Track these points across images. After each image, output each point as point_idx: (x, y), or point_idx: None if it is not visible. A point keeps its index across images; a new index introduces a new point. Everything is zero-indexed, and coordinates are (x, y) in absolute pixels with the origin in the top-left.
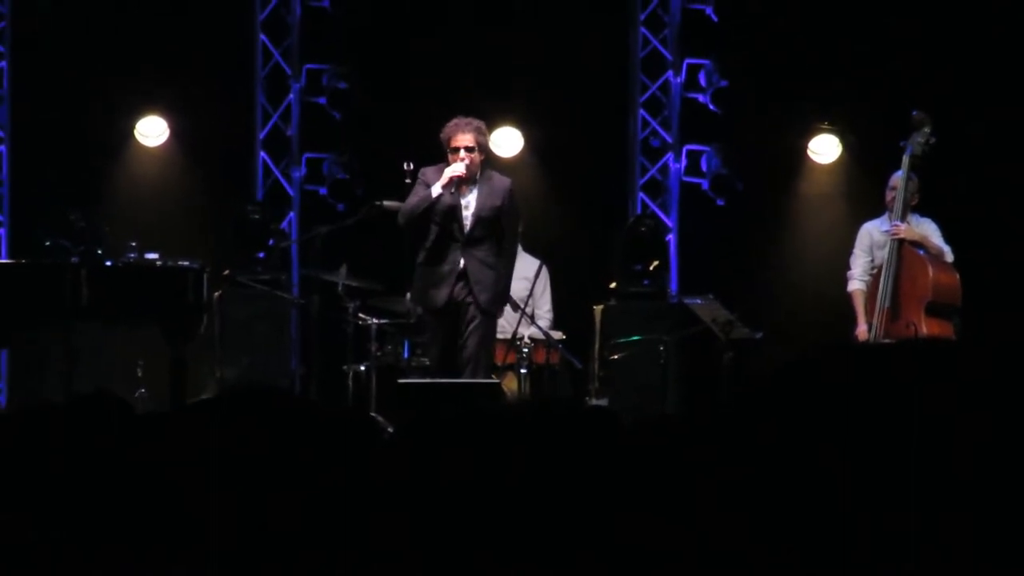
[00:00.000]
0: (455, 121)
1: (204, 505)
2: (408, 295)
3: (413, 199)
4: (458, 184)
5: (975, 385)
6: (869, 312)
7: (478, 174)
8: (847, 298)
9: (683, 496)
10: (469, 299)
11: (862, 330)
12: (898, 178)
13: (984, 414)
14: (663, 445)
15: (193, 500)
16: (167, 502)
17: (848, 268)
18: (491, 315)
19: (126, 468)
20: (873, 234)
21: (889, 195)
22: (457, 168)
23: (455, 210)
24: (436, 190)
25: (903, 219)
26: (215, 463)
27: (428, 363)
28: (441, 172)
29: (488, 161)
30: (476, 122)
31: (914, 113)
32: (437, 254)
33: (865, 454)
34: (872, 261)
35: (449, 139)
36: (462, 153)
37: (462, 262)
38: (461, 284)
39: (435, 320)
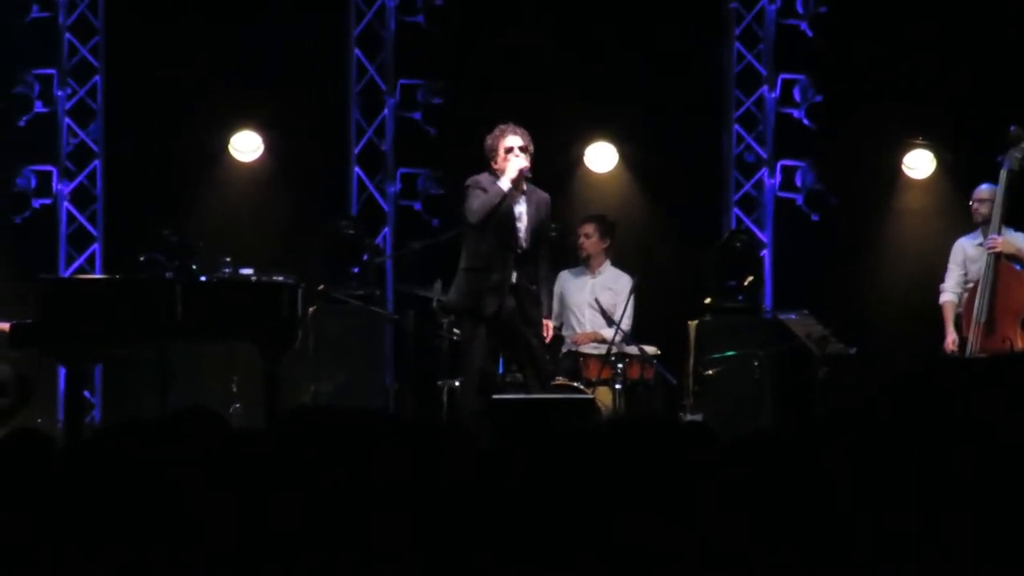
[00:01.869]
0: (502, 126)
1: (204, 505)
2: (437, 300)
3: (480, 198)
4: (517, 184)
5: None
6: (965, 326)
7: (524, 183)
8: (938, 310)
9: (684, 496)
10: (518, 314)
11: (951, 340)
12: (983, 191)
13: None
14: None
15: (193, 500)
16: (167, 502)
17: (942, 282)
18: (541, 327)
19: (149, 471)
20: (967, 249)
21: (974, 207)
22: (521, 161)
23: (511, 218)
24: (506, 184)
25: (999, 232)
26: (216, 463)
27: (464, 375)
28: (491, 179)
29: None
30: (522, 128)
31: (1011, 128)
32: (489, 262)
33: (869, 454)
34: (965, 275)
35: (498, 143)
36: (516, 151)
37: (515, 275)
38: (511, 298)
39: (477, 328)
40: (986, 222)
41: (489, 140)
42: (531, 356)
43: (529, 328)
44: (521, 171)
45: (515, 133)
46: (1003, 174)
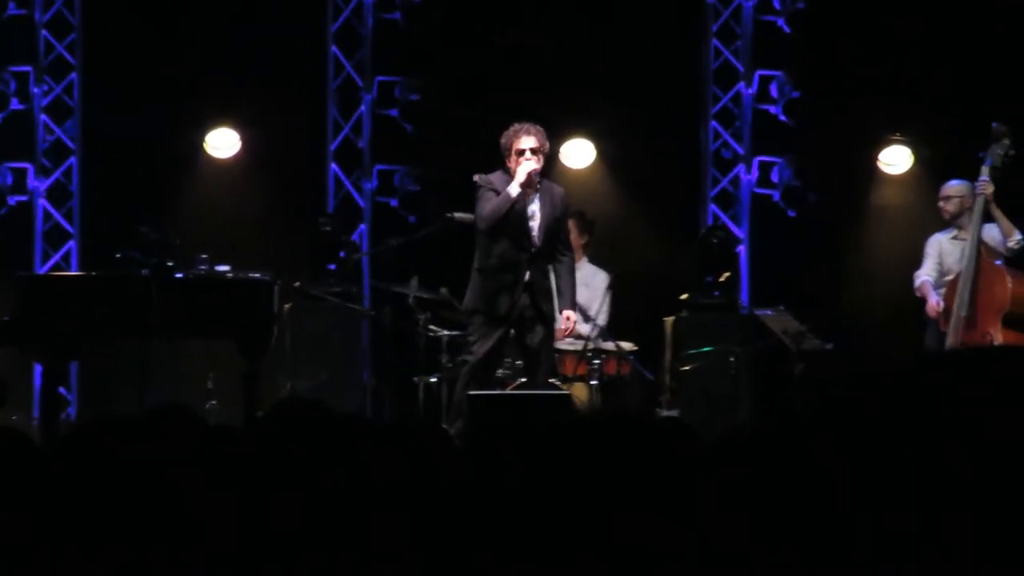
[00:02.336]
0: (517, 126)
1: (204, 505)
2: (413, 297)
3: (491, 203)
4: (527, 187)
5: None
6: (943, 320)
7: (537, 182)
8: (917, 299)
9: (684, 496)
10: (531, 311)
11: (935, 302)
12: (950, 188)
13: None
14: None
15: (193, 500)
16: (167, 502)
17: (917, 270)
18: (553, 322)
19: (128, 467)
20: (942, 243)
21: (941, 205)
22: (531, 164)
23: (523, 219)
24: (515, 189)
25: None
26: (215, 463)
27: (471, 358)
28: (504, 178)
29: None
30: (537, 126)
31: (994, 125)
32: (502, 263)
33: (867, 453)
34: (940, 266)
35: (512, 143)
36: (528, 154)
37: (528, 274)
38: (525, 295)
39: (491, 324)
40: (953, 219)
41: (504, 139)
42: (536, 354)
43: (540, 326)
44: (530, 175)
45: (529, 134)
46: (984, 170)
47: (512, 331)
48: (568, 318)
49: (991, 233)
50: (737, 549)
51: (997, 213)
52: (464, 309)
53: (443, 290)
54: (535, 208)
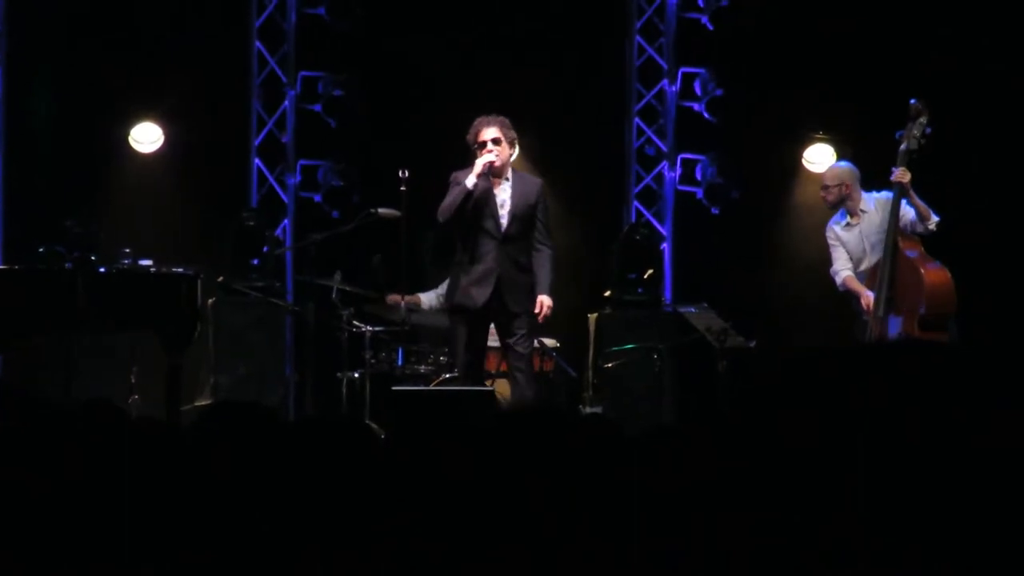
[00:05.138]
0: (478, 119)
1: (204, 506)
2: (417, 293)
3: (449, 197)
4: (490, 175)
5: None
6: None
7: (509, 170)
8: (842, 295)
9: (682, 496)
10: (508, 307)
11: (867, 297)
12: (829, 174)
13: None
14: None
15: (193, 501)
16: (167, 504)
17: (830, 267)
18: (527, 316)
19: (125, 469)
20: (837, 231)
21: (822, 194)
22: (488, 156)
23: (491, 205)
24: (471, 180)
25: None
26: (215, 466)
27: (454, 363)
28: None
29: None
30: (500, 117)
31: (912, 102)
32: (474, 253)
33: (860, 456)
34: (847, 252)
35: (476, 136)
36: (489, 145)
37: (499, 265)
38: (495, 291)
39: (464, 321)
40: (835, 207)
41: (468, 135)
42: (514, 349)
43: (517, 321)
44: (485, 166)
45: (489, 125)
46: (900, 156)
47: (491, 324)
48: (542, 304)
49: (907, 215)
50: (662, 548)
51: (914, 199)
52: (443, 302)
53: (336, 274)
54: (505, 197)
